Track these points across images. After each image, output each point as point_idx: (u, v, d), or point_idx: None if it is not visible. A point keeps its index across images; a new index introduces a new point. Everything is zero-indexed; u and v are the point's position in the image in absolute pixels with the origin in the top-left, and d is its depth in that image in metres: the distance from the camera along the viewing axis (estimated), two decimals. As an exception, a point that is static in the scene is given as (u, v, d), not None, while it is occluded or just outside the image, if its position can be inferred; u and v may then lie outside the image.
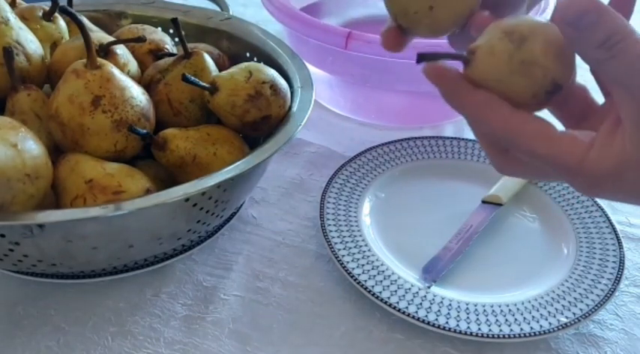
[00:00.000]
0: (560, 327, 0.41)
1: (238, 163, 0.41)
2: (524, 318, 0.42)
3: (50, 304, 0.44)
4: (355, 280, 0.44)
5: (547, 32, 0.27)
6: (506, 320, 0.42)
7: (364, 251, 0.47)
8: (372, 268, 0.46)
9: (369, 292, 0.44)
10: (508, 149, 0.30)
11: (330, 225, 0.49)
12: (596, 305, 0.43)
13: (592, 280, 0.45)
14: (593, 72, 0.30)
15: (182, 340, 0.42)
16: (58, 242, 0.38)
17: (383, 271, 0.45)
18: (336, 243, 0.47)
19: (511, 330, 0.41)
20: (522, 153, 0.29)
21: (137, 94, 0.43)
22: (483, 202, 0.53)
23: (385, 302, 0.43)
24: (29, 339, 0.42)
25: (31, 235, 0.37)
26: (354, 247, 0.47)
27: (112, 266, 0.44)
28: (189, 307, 0.45)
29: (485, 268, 0.48)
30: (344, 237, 0.48)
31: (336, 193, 0.52)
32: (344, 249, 0.47)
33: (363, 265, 0.46)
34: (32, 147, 0.38)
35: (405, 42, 0.32)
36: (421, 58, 0.28)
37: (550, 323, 0.42)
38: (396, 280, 0.45)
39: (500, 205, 0.52)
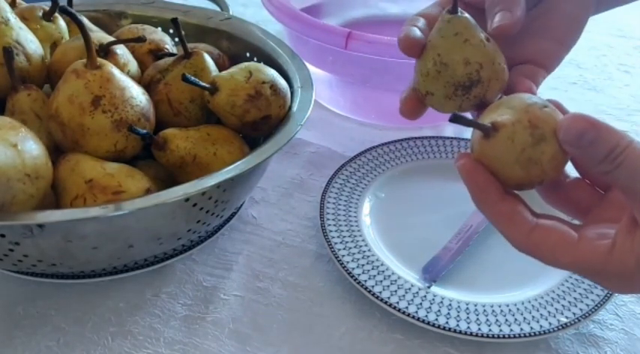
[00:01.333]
0: (560, 327, 0.41)
1: (238, 163, 0.41)
2: (525, 318, 0.42)
3: (50, 304, 0.44)
4: (355, 280, 0.44)
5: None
6: (507, 320, 0.42)
7: (364, 251, 0.47)
8: (372, 268, 0.46)
9: (369, 292, 0.44)
10: None
11: (330, 225, 0.49)
12: (596, 305, 0.43)
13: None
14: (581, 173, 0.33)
15: (182, 340, 0.42)
16: (58, 242, 0.38)
17: (383, 271, 0.45)
18: (336, 243, 0.47)
19: (511, 330, 0.41)
20: (546, 263, 0.30)
21: (137, 94, 0.43)
22: None
23: (385, 302, 0.43)
24: (29, 339, 0.42)
25: (31, 235, 0.37)
26: (354, 247, 0.47)
27: (112, 266, 0.44)
28: (189, 307, 0.45)
29: (485, 268, 0.47)
30: (344, 237, 0.48)
31: (336, 193, 0.52)
32: (344, 249, 0.47)
33: (363, 265, 0.46)
34: (32, 147, 0.37)
35: (423, 111, 0.36)
36: (454, 119, 0.29)
37: (550, 323, 0.42)
38: (396, 280, 0.45)
39: None
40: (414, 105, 0.35)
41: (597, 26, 0.89)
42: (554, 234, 0.29)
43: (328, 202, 0.51)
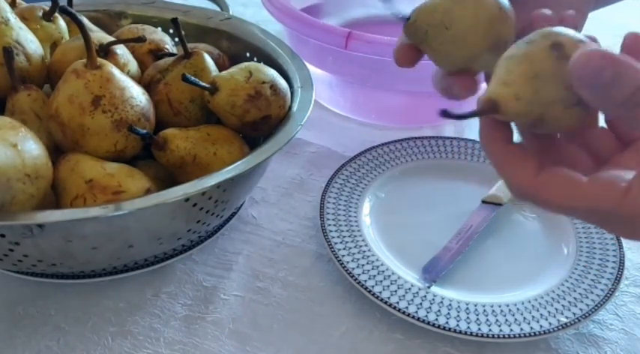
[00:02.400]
0: (560, 327, 0.41)
1: (238, 163, 0.41)
2: (524, 318, 0.42)
3: (50, 304, 0.44)
4: (355, 280, 0.44)
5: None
6: (507, 320, 0.42)
7: (364, 251, 0.47)
8: (372, 268, 0.45)
9: (369, 291, 0.43)
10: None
11: (330, 225, 0.49)
12: (596, 305, 0.43)
13: (592, 280, 0.45)
14: (609, 122, 0.30)
15: (182, 340, 0.42)
16: (57, 242, 0.38)
17: (383, 271, 0.45)
18: (336, 243, 0.47)
19: (511, 330, 0.41)
20: (552, 206, 0.28)
21: (137, 94, 0.43)
22: (483, 202, 0.53)
23: (385, 302, 0.43)
24: (29, 339, 0.42)
25: (31, 235, 0.37)
26: (354, 247, 0.47)
27: (111, 266, 0.44)
28: (190, 307, 0.45)
29: (485, 268, 0.47)
30: (344, 237, 0.48)
31: (336, 193, 0.52)
32: (344, 249, 0.47)
33: (363, 265, 0.46)
34: (32, 147, 0.37)
35: (418, 58, 0.34)
36: (444, 114, 0.28)
37: (550, 323, 0.42)
38: (396, 280, 0.45)
39: (500, 205, 0.52)
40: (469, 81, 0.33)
41: (596, 26, 0.88)
42: (563, 174, 0.27)
43: (328, 202, 0.51)
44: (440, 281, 0.45)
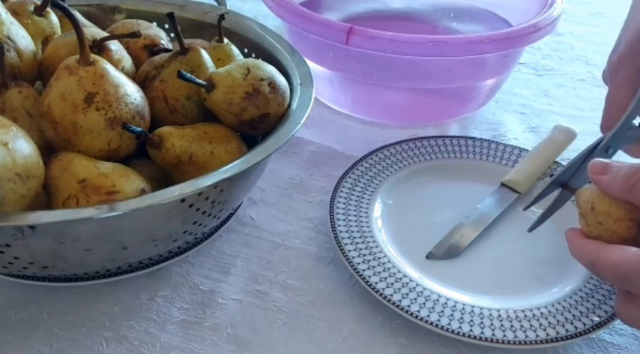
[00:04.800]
0: (569, 337, 0.40)
1: (236, 162, 0.40)
2: (531, 325, 0.41)
3: (43, 308, 0.43)
4: (366, 282, 0.43)
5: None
6: (512, 326, 0.41)
7: (374, 253, 0.46)
8: (384, 270, 0.44)
9: (376, 291, 0.42)
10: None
11: (342, 231, 0.47)
12: (610, 316, 0.41)
13: (608, 290, 0.43)
14: None
15: (179, 345, 0.41)
16: (49, 244, 0.37)
17: (394, 274, 0.44)
18: (350, 250, 0.45)
19: (526, 336, 0.40)
20: (608, 274, 0.35)
21: (132, 91, 0.42)
22: (502, 184, 0.53)
23: (388, 300, 0.42)
24: (21, 344, 0.41)
25: (22, 237, 0.36)
26: (368, 253, 0.45)
27: (105, 269, 0.43)
28: (186, 312, 0.44)
29: (498, 270, 0.46)
30: (357, 243, 0.46)
31: (345, 198, 0.50)
32: (359, 257, 0.45)
33: (373, 266, 0.44)
34: (23, 145, 0.37)
35: None
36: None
37: (557, 332, 0.40)
38: (407, 283, 0.43)
39: (518, 192, 0.52)
40: None
41: (606, 22, 0.87)
42: (618, 248, 0.34)
43: (337, 208, 0.49)
44: (446, 281, 0.44)
